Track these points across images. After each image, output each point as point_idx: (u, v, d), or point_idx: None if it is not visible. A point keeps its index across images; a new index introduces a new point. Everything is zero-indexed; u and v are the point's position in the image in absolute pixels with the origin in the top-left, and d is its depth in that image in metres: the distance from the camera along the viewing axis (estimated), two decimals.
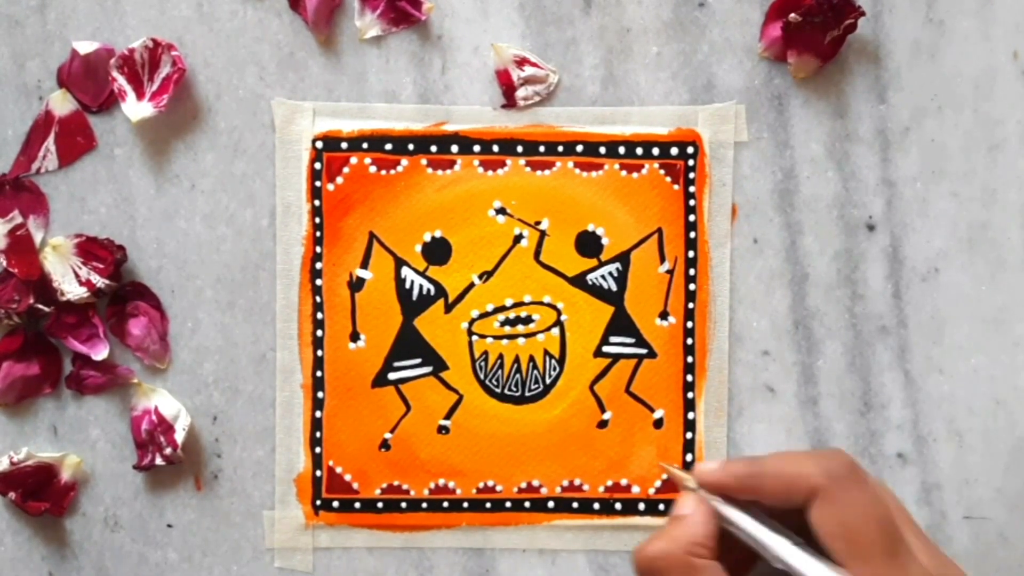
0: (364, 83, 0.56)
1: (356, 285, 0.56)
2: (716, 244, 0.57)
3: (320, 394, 0.56)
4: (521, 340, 0.56)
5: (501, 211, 0.56)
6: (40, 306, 0.55)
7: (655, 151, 0.56)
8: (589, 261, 0.57)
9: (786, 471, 0.42)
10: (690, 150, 0.56)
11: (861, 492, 0.41)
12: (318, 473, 0.56)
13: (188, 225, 0.56)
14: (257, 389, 0.56)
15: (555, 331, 0.57)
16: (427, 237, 0.56)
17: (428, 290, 0.56)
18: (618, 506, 0.57)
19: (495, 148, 0.56)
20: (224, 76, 0.56)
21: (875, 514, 0.41)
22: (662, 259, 0.57)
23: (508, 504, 0.57)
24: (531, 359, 0.57)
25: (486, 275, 0.56)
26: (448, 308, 0.56)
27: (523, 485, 0.57)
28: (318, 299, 0.56)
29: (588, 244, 0.56)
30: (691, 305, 0.57)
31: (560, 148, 0.56)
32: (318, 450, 0.56)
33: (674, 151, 0.56)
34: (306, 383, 0.56)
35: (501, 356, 0.56)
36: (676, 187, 0.56)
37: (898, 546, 0.41)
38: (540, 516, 0.57)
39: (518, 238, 0.56)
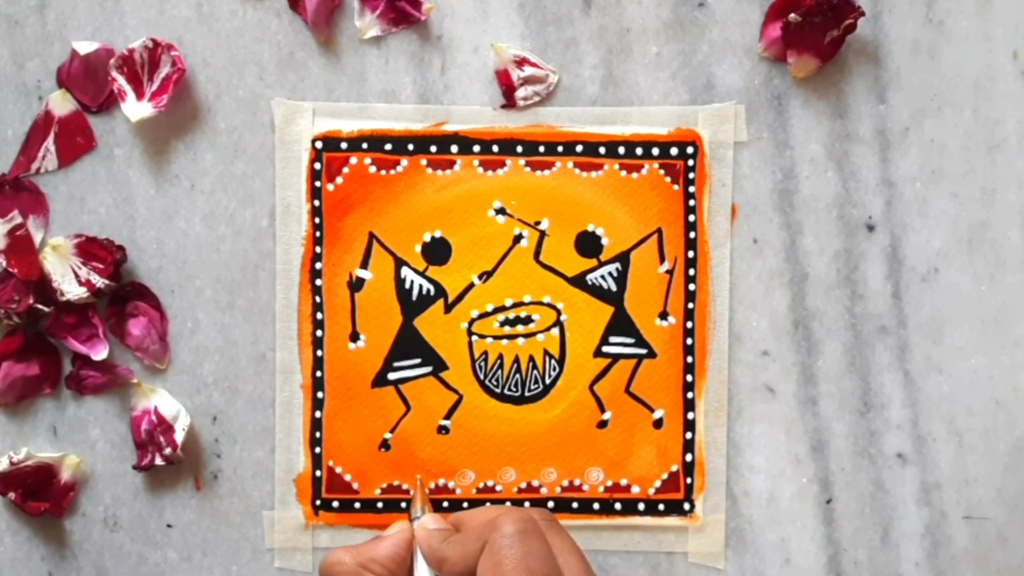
0: (364, 83, 0.56)
1: (356, 285, 0.56)
2: (716, 244, 0.57)
3: (320, 394, 0.56)
4: (521, 340, 0.56)
5: (501, 211, 0.56)
6: (40, 306, 0.55)
7: (655, 151, 0.56)
8: (589, 261, 0.57)
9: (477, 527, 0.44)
10: (690, 150, 0.56)
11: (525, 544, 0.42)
12: (318, 473, 0.56)
13: (188, 225, 0.56)
14: (257, 389, 0.56)
15: (555, 331, 0.57)
16: (427, 237, 0.56)
17: (428, 290, 0.56)
18: (618, 506, 0.57)
19: (495, 148, 0.56)
20: (224, 76, 0.56)
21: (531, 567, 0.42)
22: (662, 259, 0.57)
23: (507, 504, 0.57)
24: (531, 359, 0.56)
25: (486, 275, 0.56)
26: (448, 308, 0.56)
27: (523, 485, 0.57)
28: (318, 299, 0.56)
29: (588, 244, 0.56)
30: (691, 305, 0.57)
31: (560, 148, 0.56)
32: (318, 450, 0.56)
33: (674, 151, 0.56)
34: (306, 383, 0.56)
35: (501, 356, 0.56)
36: (676, 187, 0.56)
37: None
38: None
39: (518, 238, 0.56)
